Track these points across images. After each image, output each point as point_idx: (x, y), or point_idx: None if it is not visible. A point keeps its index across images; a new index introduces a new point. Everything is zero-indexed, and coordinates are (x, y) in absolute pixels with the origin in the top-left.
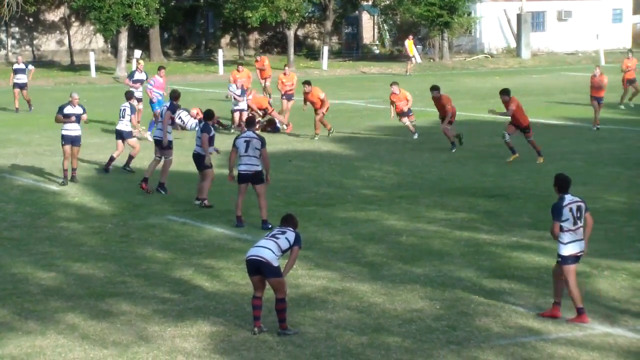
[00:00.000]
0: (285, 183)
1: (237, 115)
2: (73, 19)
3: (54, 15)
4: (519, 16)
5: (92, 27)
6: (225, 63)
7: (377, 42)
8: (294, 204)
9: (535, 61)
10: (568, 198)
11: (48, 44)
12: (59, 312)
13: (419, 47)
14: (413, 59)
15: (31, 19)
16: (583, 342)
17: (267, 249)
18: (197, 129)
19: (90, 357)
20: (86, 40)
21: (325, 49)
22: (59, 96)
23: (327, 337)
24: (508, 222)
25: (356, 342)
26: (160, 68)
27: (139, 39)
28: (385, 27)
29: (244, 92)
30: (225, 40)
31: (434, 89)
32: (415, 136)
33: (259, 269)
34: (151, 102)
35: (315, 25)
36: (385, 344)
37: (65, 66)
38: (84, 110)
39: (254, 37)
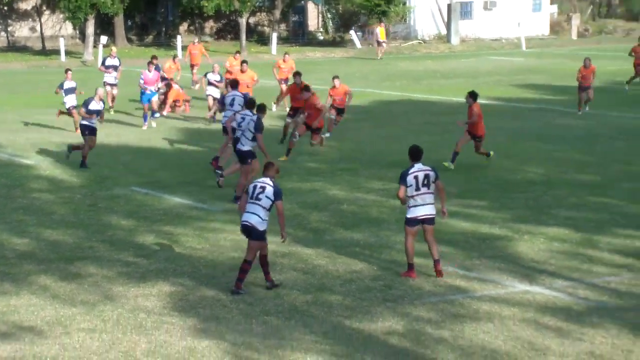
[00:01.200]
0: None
1: (210, 99)
2: (44, 8)
3: (26, 4)
4: (449, 6)
5: (61, 15)
6: (184, 48)
7: (321, 29)
8: None
9: (463, 46)
10: (416, 167)
11: (21, 30)
12: (31, 274)
13: (359, 33)
14: (384, 44)
15: (6, 8)
16: (505, 299)
17: (254, 215)
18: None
19: (60, 315)
20: (56, 27)
21: (274, 36)
22: (32, 78)
23: (275, 296)
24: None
25: (302, 300)
26: (150, 62)
27: (104, 26)
28: (329, 16)
29: (222, 78)
30: (183, 27)
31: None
32: (327, 135)
33: (249, 233)
34: (144, 93)
35: (265, 13)
36: (328, 301)
37: (37, 51)
38: (103, 105)
39: (210, 25)
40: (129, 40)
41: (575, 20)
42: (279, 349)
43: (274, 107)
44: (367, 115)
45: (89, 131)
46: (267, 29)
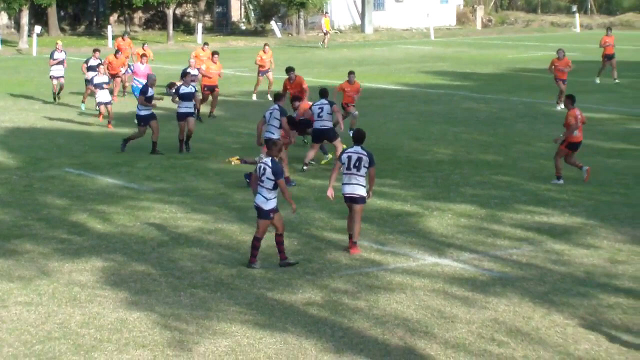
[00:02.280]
0: (165, 140)
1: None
2: None
3: None
4: None
5: None
6: (114, 37)
7: (244, 20)
8: (174, 158)
9: (376, 36)
10: (354, 149)
11: None
12: None
13: (279, 24)
14: (329, 34)
15: None
16: (416, 270)
17: (259, 195)
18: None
19: None
20: None
21: (200, 26)
22: None
23: (202, 269)
24: None
25: (227, 273)
26: (142, 55)
27: (38, 16)
28: (251, 7)
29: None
30: (113, 17)
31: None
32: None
33: (258, 212)
34: (135, 87)
35: (190, 4)
36: (252, 275)
37: None
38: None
39: (138, 15)
40: (62, 29)
41: (480, 12)
42: (206, 320)
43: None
44: (288, 100)
45: (150, 118)
46: (192, 20)
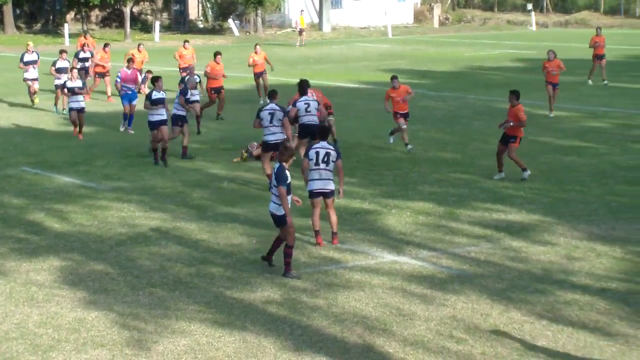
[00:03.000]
0: (124, 139)
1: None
2: None
3: None
4: None
5: None
6: (71, 35)
7: (202, 18)
8: (131, 156)
9: (334, 34)
10: (320, 144)
11: None
12: None
13: (237, 22)
14: (304, 32)
15: None
16: (375, 268)
17: (271, 203)
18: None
19: None
20: None
21: (157, 24)
22: None
23: (161, 268)
24: None
25: (186, 272)
26: (129, 60)
27: None
28: (208, 5)
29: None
30: (70, 15)
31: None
32: (410, 147)
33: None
34: (125, 94)
35: (148, 2)
36: (211, 273)
37: None
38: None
39: (95, 13)
40: (18, 28)
41: (437, 10)
42: (164, 319)
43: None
44: (247, 98)
45: (180, 121)
46: (150, 18)
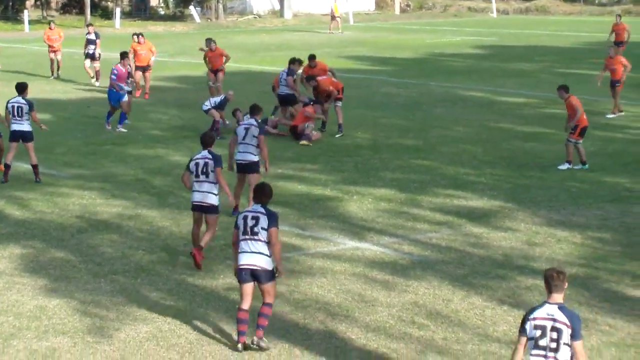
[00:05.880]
0: (85, 126)
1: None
2: None
3: None
4: None
5: None
6: (31, 22)
7: (162, 5)
8: (93, 144)
9: (296, 21)
10: (201, 154)
11: None
12: None
13: (198, 9)
14: (338, 18)
15: None
16: (337, 255)
17: (259, 255)
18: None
19: None
20: None
21: (118, 10)
22: None
23: (122, 256)
24: (275, 157)
25: (147, 260)
26: (123, 56)
27: None
28: None
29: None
30: (29, 2)
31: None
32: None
33: (255, 276)
34: (113, 92)
35: None
36: (172, 261)
37: None
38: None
39: (55, 0)
40: None
41: None
42: (126, 306)
43: None
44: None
45: None
46: (110, 4)
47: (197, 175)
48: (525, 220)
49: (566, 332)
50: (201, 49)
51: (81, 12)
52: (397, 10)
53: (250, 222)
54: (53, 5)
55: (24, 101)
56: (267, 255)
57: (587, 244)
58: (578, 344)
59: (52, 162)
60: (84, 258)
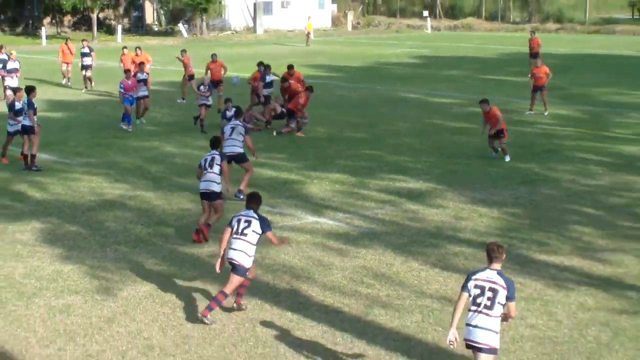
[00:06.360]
0: (92, 123)
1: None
2: None
3: None
4: (255, 4)
5: None
6: (48, 37)
7: (156, 22)
8: (98, 137)
9: (266, 36)
10: (211, 152)
11: None
12: None
13: (185, 26)
14: (311, 34)
15: None
16: (300, 228)
17: (239, 252)
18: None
19: None
20: None
21: (119, 27)
22: None
23: (124, 229)
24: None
25: (145, 232)
26: (126, 71)
27: None
28: (162, 12)
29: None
30: (46, 20)
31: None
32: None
33: (234, 268)
34: (125, 99)
35: (111, 9)
36: (166, 233)
37: None
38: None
39: (68, 18)
40: (3, 30)
41: (350, 16)
42: (127, 270)
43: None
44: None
45: None
46: (113, 22)
47: (205, 168)
48: (453, 199)
49: (502, 293)
50: (177, 58)
51: (89, 28)
52: (349, 27)
53: (242, 225)
54: (65, 23)
55: (26, 101)
56: (248, 255)
57: (503, 218)
58: (512, 304)
59: (66, 153)
60: (92, 231)
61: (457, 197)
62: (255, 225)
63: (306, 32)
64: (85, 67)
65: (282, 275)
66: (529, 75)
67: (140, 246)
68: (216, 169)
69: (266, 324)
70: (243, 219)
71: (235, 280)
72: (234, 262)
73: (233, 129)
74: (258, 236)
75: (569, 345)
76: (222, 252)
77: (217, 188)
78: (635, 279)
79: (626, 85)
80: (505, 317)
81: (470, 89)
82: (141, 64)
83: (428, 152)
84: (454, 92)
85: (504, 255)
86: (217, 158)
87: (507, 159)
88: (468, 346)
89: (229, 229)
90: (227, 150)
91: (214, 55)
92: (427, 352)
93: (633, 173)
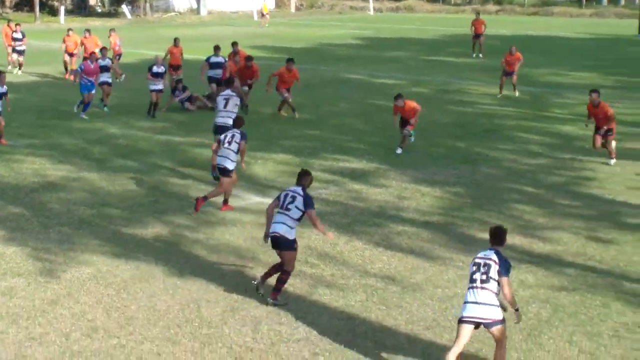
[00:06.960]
0: (36, 104)
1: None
2: None
3: None
4: None
5: None
6: None
7: (100, 3)
8: (42, 119)
9: (210, 17)
10: (231, 132)
11: None
12: None
13: (129, 7)
14: (267, 15)
15: None
16: (245, 208)
17: (281, 224)
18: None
19: None
20: None
21: (62, 8)
22: None
23: (68, 211)
24: (195, 129)
25: (89, 214)
26: (92, 53)
27: None
28: None
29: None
30: None
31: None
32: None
33: (277, 244)
34: (83, 84)
35: None
36: (109, 214)
37: None
38: (165, 70)
39: None
40: None
41: None
42: (71, 252)
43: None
44: (140, 71)
45: None
46: (56, 3)
47: (223, 144)
48: (396, 178)
49: (494, 268)
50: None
51: (31, 9)
52: (293, 9)
53: (288, 200)
54: (7, 3)
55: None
56: (289, 226)
57: (445, 197)
58: (504, 280)
59: (8, 134)
60: (35, 213)
61: (400, 176)
62: (299, 201)
63: (262, 14)
64: (19, 52)
65: (227, 255)
66: (502, 61)
67: (83, 227)
68: (234, 146)
69: (211, 304)
70: (290, 194)
71: (288, 256)
72: (276, 234)
73: (227, 100)
74: (300, 213)
75: (511, 322)
76: (267, 226)
77: (230, 165)
78: (573, 256)
79: (564, 66)
80: (503, 306)
81: (412, 70)
82: (103, 49)
83: (371, 133)
84: (397, 73)
85: (504, 236)
86: (237, 136)
87: (399, 151)
88: (468, 323)
89: (275, 202)
90: (220, 121)
91: (176, 40)
92: (371, 330)
93: (571, 152)
